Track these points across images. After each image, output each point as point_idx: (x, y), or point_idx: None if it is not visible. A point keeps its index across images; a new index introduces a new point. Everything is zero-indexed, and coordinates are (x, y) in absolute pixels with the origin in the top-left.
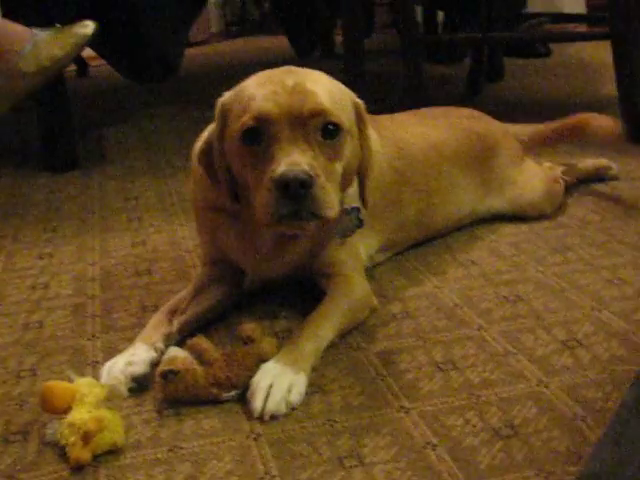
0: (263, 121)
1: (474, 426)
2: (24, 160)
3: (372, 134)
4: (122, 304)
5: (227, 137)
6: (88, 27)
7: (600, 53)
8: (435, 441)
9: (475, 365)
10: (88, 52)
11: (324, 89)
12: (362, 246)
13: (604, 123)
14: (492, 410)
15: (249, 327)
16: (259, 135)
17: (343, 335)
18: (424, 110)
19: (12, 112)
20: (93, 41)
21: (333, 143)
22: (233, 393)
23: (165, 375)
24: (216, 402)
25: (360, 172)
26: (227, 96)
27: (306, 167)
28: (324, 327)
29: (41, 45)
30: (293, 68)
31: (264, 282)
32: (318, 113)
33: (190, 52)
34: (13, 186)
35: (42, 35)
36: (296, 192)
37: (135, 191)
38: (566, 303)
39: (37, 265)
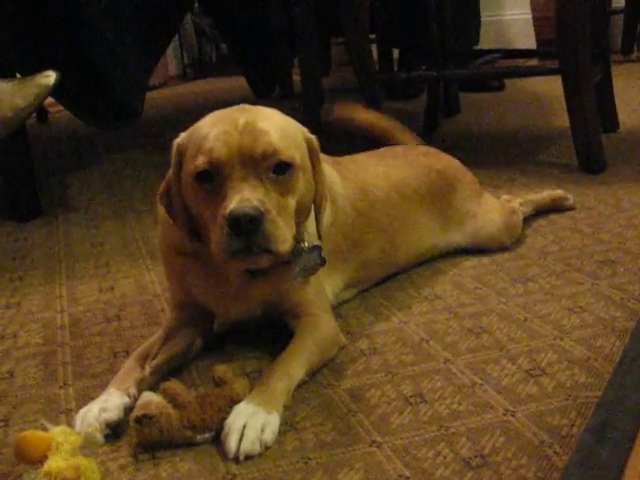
0: (215, 164)
1: (445, 457)
2: None
3: (329, 171)
4: (93, 351)
5: (183, 177)
6: (50, 77)
7: (552, 86)
8: (408, 474)
9: (443, 397)
10: (48, 99)
11: (275, 127)
12: (328, 285)
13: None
14: (462, 441)
15: (221, 369)
16: (212, 175)
17: (313, 373)
18: (383, 150)
19: None
20: (54, 89)
21: (285, 179)
22: (207, 435)
23: (140, 420)
24: (191, 445)
25: (315, 206)
26: (182, 137)
27: (256, 203)
28: (294, 366)
29: (3, 96)
30: (247, 106)
31: (233, 324)
32: (269, 154)
33: (149, 95)
34: None
35: (4, 85)
36: (246, 228)
37: (100, 237)
38: (529, 333)
39: (5, 315)
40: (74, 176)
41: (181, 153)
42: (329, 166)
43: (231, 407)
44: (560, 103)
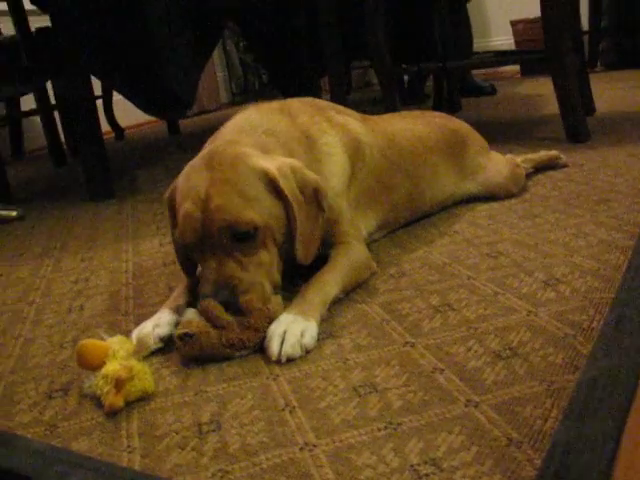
0: (187, 245)
1: (476, 351)
2: (72, 196)
3: (357, 126)
4: (152, 287)
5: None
6: (13, 212)
7: (537, 88)
8: (442, 366)
9: (469, 305)
10: (125, 122)
11: (231, 194)
12: (362, 225)
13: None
14: (490, 337)
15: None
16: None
17: (347, 292)
18: (404, 112)
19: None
20: (119, 83)
21: (250, 243)
22: (245, 352)
23: (182, 337)
24: (230, 359)
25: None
26: (168, 192)
27: (223, 289)
28: (329, 283)
29: None
30: (215, 156)
31: None
32: (224, 230)
33: (205, 118)
34: (62, 213)
35: None
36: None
37: (162, 208)
38: (542, 254)
39: (79, 266)
40: (142, 172)
41: (171, 206)
42: (357, 121)
43: (268, 326)
44: (549, 100)
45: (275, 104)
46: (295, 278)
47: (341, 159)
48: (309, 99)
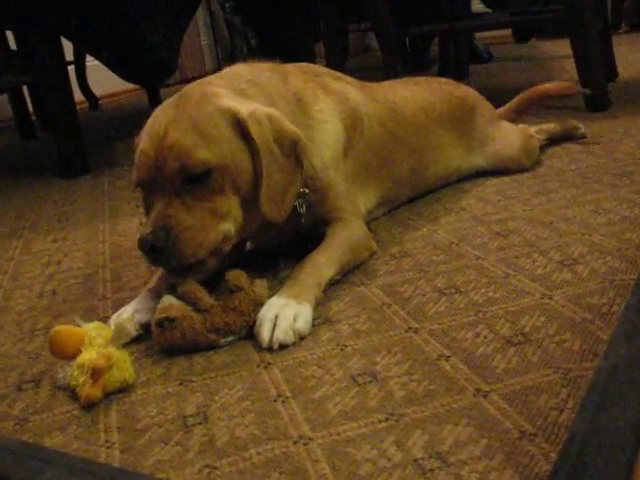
0: (140, 182)
1: (485, 337)
2: (42, 172)
3: (355, 94)
4: (131, 270)
5: None
6: None
7: (553, 50)
8: (448, 353)
9: (478, 288)
10: (99, 91)
11: (188, 132)
12: (360, 201)
13: (560, 84)
14: (500, 322)
15: (233, 274)
16: (144, 187)
17: (344, 273)
18: (406, 78)
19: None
20: (94, 48)
21: (204, 186)
22: (231, 338)
23: (161, 323)
24: (215, 347)
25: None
26: (138, 136)
27: (158, 231)
28: (324, 263)
29: None
30: (186, 94)
31: (266, 245)
32: (177, 170)
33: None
34: (32, 190)
35: None
36: (152, 254)
37: None
38: (557, 232)
39: (51, 247)
40: (120, 145)
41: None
42: (355, 89)
43: (255, 310)
44: (565, 64)
45: (268, 64)
46: (279, 261)
47: (335, 128)
48: (304, 64)
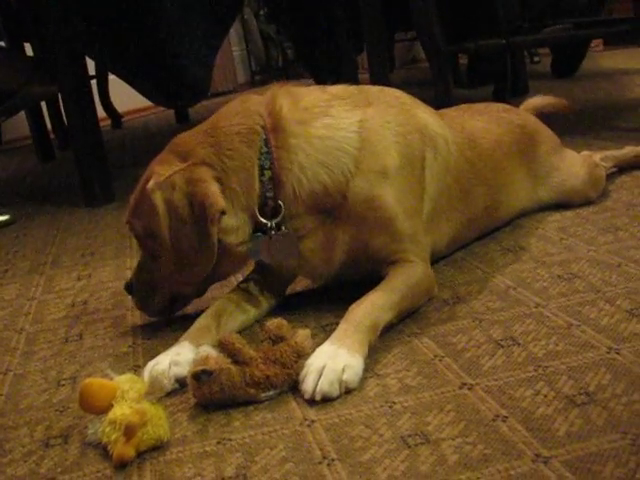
0: None
1: (545, 396)
2: (63, 199)
3: (432, 119)
4: None
5: None
6: (5, 216)
7: (622, 63)
8: (505, 413)
9: (537, 339)
10: (122, 107)
11: (131, 206)
12: (432, 238)
13: (551, 99)
14: (562, 379)
15: (275, 324)
16: None
17: (402, 318)
18: (464, 106)
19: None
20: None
21: (146, 249)
22: (272, 393)
23: (198, 376)
24: (255, 402)
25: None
26: None
27: (127, 283)
28: (382, 306)
29: None
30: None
31: (319, 279)
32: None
33: (218, 102)
34: (52, 220)
35: None
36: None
37: None
38: (625, 276)
39: (76, 286)
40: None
41: None
42: (431, 114)
43: (297, 362)
44: (637, 79)
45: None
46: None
47: (395, 138)
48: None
